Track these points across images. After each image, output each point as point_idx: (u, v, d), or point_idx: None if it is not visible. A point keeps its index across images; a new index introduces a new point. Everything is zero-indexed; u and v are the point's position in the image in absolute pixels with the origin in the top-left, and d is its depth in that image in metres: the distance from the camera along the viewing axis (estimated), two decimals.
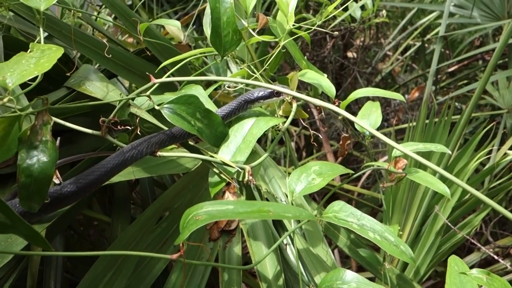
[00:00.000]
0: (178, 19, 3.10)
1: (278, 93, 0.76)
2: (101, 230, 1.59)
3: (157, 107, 0.67)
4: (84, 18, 1.16)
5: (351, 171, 0.82)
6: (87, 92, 0.92)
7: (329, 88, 0.90)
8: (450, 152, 0.88)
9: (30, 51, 0.59)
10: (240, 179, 0.76)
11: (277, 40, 0.80)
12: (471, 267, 1.68)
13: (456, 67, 2.84)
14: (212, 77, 0.73)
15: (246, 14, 0.78)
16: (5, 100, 0.52)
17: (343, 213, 0.69)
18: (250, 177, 0.70)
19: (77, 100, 0.96)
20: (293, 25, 0.75)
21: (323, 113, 0.93)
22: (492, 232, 1.88)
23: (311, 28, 0.81)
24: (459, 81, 2.86)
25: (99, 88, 0.93)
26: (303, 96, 0.67)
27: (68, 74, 0.95)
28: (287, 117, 0.88)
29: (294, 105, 0.84)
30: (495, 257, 1.51)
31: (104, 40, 1.05)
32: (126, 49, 1.24)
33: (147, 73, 0.67)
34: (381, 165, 0.97)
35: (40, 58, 0.56)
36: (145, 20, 2.46)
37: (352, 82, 2.38)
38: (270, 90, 0.77)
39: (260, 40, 0.80)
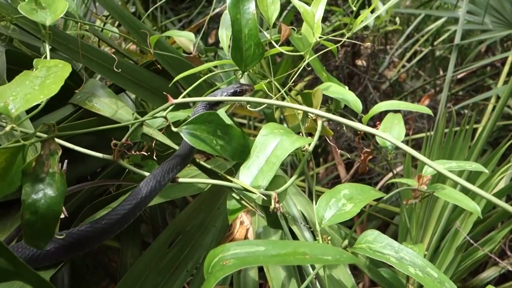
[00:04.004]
0: (182, 26, 3.05)
1: (241, 92, 0.73)
2: (106, 247, 1.53)
3: (175, 129, 0.61)
4: (90, 29, 1.11)
5: (384, 194, 0.76)
6: (95, 109, 0.86)
7: (355, 103, 0.85)
8: (487, 171, 0.82)
9: (34, 69, 0.53)
10: (261, 203, 0.70)
11: (301, 53, 0.74)
12: (488, 283, 1.62)
13: (465, 73, 2.79)
14: (237, 98, 0.67)
15: (268, 24, 0.72)
16: (7, 129, 0.45)
17: (378, 244, 0.63)
18: (277, 205, 0.64)
19: (84, 118, 0.91)
20: (320, 37, 0.69)
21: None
22: (509, 246, 1.82)
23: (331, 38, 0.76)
24: (468, 88, 2.81)
25: (107, 105, 0.87)
26: (303, 107, 0.60)
27: (76, 91, 0.89)
28: (311, 134, 0.82)
29: (319, 122, 0.78)
30: None
31: (111, 52, 0.99)
32: (135, 62, 1.18)
33: (164, 93, 0.61)
34: (409, 183, 0.91)
35: (46, 78, 0.50)
36: (149, 28, 2.41)
37: (362, 91, 2.32)
38: (232, 90, 0.74)
39: (284, 53, 0.74)
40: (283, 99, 0.86)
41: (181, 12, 3.17)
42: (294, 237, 1.01)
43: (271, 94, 0.74)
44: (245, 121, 2.22)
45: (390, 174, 2.12)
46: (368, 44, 1.83)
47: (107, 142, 0.76)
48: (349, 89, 2.44)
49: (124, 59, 1.30)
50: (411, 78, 3.04)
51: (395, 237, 1.65)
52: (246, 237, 1.03)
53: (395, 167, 2.09)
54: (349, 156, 0.82)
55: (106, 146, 0.85)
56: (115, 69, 0.85)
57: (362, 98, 2.47)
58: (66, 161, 0.78)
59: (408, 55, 2.81)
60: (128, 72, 1.00)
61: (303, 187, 1.75)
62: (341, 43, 0.72)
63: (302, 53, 0.72)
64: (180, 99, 0.60)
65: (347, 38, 0.68)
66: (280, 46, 0.81)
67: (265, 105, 0.70)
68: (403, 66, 2.83)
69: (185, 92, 0.75)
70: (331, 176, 2.36)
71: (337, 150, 2.01)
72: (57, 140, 0.60)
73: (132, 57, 1.34)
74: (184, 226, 1.02)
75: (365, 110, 2.11)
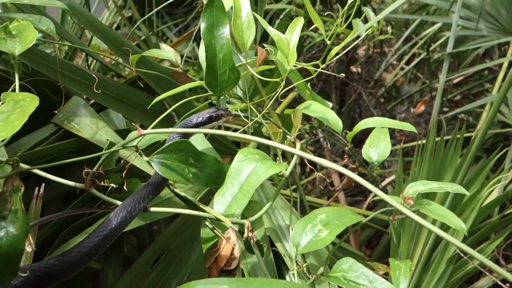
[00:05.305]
0: (178, 31, 3.04)
1: (217, 117, 0.73)
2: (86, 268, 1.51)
3: (146, 159, 0.61)
4: (77, 44, 1.10)
5: (362, 218, 0.75)
6: (74, 130, 0.86)
7: (336, 122, 0.83)
8: (467, 193, 0.81)
9: (2, 103, 0.53)
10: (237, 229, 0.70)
11: (277, 80, 0.73)
12: None
13: (462, 78, 2.78)
14: (222, 132, 0.66)
15: (244, 47, 0.71)
16: None
17: (353, 273, 0.62)
18: (250, 234, 0.63)
19: (66, 138, 0.90)
20: (295, 66, 0.68)
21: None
22: (504, 255, 1.81)
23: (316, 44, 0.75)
24: (466, 92, 2.80)
25: (88, 126, 0.86)
26: (283, 147, 0.60)
27: (56, 112, 0.88)
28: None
29: (298, 144, 0.78)
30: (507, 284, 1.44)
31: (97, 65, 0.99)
32: (122, 76, 1.18)
33: (133, 124, 0.60)
34: (394, 203, 0.90)
35: (11, 113, 0.50)
36: (145, 34, 2.40)
37: (357, 98, 2.31)
38: (208, 115, 0.74)
39: (262, 78, 0.73)
40: (265, 118, 0.86)
41: (178, 16, 3.16)
42: (278, 254, 1.01)
43: (246, 120, 0.74)
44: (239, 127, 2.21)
45: (385, 182, 2.11)
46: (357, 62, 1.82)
47: (90, 160, 0.75)
48: (344, 96, 2.41)
49: (110, 73, 1.29)
50: (409, 81, 3.02)
51: (389, 246, 1.64)
52: (232, 254, 1.02)
53: (388, 175, 2.09)
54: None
55: (89, 163, 0.85)
56: (95, 90, 0.84)
57: (357, 106, 2.46)
58: (43, 185, 0.78)
59: (406, 57, 2.80)
60: (111, 90, 1.00)
61: (294, 197, 1.74)
62: (316, 74, 0.71)
63: (278, 79, 0.72)
64: (149, 130, 0.59)
65: (328, 70, 0.67)
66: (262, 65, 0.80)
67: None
68: (402, 69, 2.82)
69: (170, 109, 0.74)
70: (324, 184, 2.35)
71: (331, 158, 1.98)
72: (37, 171, 0.59)
73: (120, 70, 1.33)
74: (168, 243, 1.02)
75: (360, 117, 2.11)
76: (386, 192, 1.79)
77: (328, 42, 0.65)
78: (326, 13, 1.49)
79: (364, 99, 2.34)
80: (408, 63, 2.84)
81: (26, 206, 0.74)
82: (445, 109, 2.81)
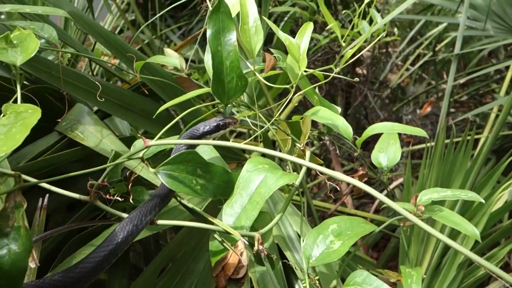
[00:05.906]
0: (182, 34, 3.02)
1: (224, 126, 0.71)
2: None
3: (152, 170, 0.59)
4: (81, 50, 1.09)
5: (375, 227, 0.73)
6: (78, 139, 0.84)
7: (346, 128, 0.81)
8: (483, 201, 0.79)
9: (3, 115, 0.51)
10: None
11: (287, 86, 0.71)
12: None
13: (468, 77, 2.75)
14: (230, 143, 0.64)
15: (251, 54, 0.69)
16: None
17: (367, 286, 0.60)
18: (261, 247, 0.61)
19: (70, 146, 0.89)
20: (306, 71, 0.66)
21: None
22: None
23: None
24: (473, 92, 2.77)
25: (92, 134, 0.85)
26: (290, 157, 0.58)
27: (59, 120, 0.87)
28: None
29: (308, 153, 0.75)
30: None
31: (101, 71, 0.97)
32: (127, 82, 1.16)
33: (139, 135, 0.58)
34: (404, 211, 0.88)
35: (12, 126, 0.48)
36: (149, 37, 2.38)
37: (362, 100, 2.28)
38: (215, 124, 0.73)
39: (269, 85, 0.71)
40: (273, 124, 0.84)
41: (181, 19, 3.15)
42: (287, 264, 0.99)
43: (254, 128, 0.72)
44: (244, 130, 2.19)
45: (393, 184, 2.09)
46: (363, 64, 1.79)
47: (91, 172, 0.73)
48: (349, 98, 2.38)
49: (113, 79, 1.28)
50: (414, 81, 2.99)
51: (397, 249, 1.62)
52: (239, 262, 1.00)
53: (396, 178, 2.06)
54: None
55: (93, 172, 0.83)
56: (98, 98, 0.82)
57: (363, 108, 2.44)
58: (47, 195, 0.76)
59: (411, 58, 2.77)
60: (115, 96, 0.98)
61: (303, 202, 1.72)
62: (329, 78, 0.69)
63: (287, 86, 0.70)
64: (154, 142, 0.57)
65: (337, 73, 0.65)
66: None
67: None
68: (407, 69, 2.79)
69: (177, 118, 0.72)
70: (332, 187, 2.32)
71: (338, 161, 1.95)
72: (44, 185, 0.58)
73: (124, 75, 1.32)
74: (175, 253, 1.00)
75: (365, 119, 2.07)
76: (394, 195, 1.77)
77: (344, 44, 0.63)
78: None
79: (370, 100, 2.31)
80: (413, 64, 2.81)
81: (30, 217, 0.73)
82: (452, 110, 2.78)
